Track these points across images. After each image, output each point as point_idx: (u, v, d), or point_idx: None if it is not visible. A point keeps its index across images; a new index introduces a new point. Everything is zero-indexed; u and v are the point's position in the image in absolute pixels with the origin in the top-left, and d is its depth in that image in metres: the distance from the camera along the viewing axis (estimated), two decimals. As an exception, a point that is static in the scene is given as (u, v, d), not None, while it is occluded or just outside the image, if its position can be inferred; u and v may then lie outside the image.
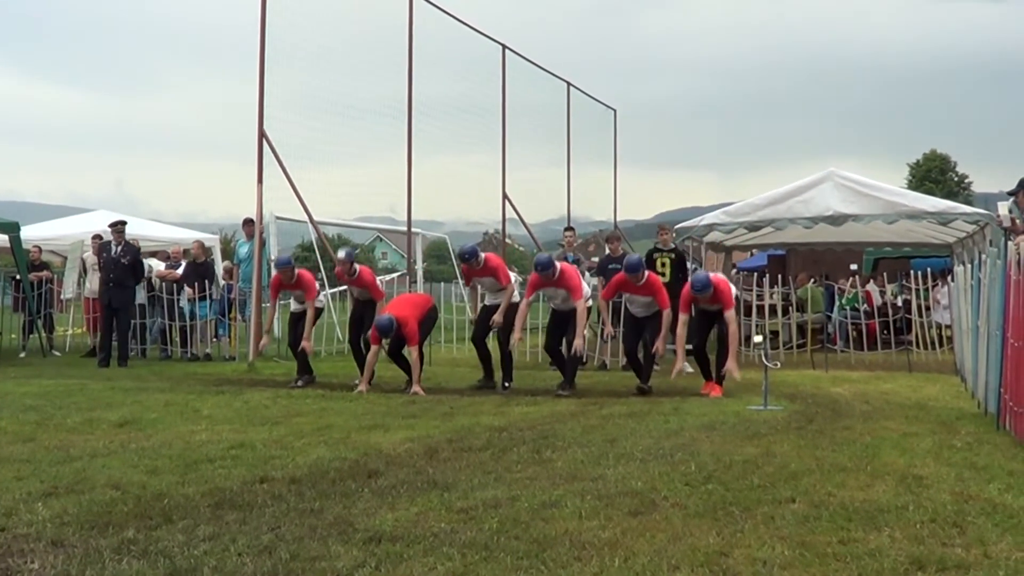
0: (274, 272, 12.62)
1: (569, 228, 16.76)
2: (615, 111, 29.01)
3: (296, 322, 12.52)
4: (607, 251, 15.10)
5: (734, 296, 11.30)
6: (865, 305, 18.00)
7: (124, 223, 16.13)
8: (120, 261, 15.37)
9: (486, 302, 12.24)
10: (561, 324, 11.64)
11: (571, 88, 25.90)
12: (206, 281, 16.57)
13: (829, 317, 17.50)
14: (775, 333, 16.46)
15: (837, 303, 17.51)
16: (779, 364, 11.48)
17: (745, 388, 10.89)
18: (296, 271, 12.17)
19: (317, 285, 12.54)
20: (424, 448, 7.22)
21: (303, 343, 12.01)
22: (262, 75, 15.09)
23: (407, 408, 9.74)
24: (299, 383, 11.93)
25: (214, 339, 16.84)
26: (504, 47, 22.10)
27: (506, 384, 11.77)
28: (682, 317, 11.15)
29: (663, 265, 14.30)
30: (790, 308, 17.27)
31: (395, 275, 31.75)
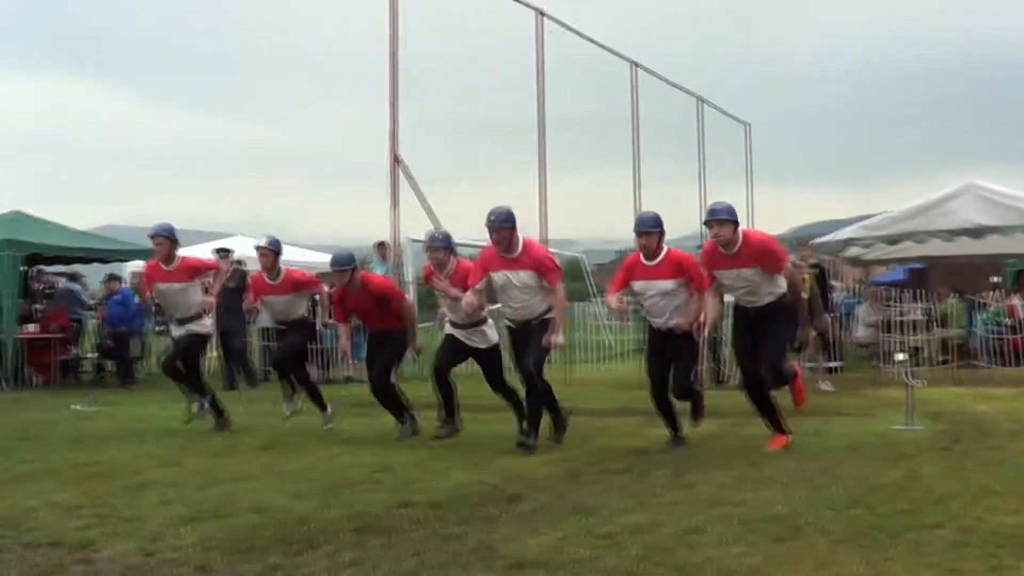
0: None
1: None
2: (748, 125, 28.59)
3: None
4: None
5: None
6: (1008, 319, 17.21)
7: (230, 250, 16.51)
8: (227, 285, 15.79)
9: (447, 330, 9.39)
10: (528, 341, 8.40)
11: (702, 103, 25.61)
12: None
13: (971, 332, 16.78)
14: (917, 349, 15.88)
15: (979, 317, 16.80)
16: (924, 383, 10.99)
17: (888, 406, 10.50)
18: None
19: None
20: (565, 471, 7.14)
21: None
22: (393, 98, 15.29)
23: (545, 431, 9.60)
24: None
25: (353, 361, 16.95)
26: (634, 64, 21.97)
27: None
28: (707, 295, 8.11)
29: (804, 281, 13.87)
30: (932, 323, 16.65)
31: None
